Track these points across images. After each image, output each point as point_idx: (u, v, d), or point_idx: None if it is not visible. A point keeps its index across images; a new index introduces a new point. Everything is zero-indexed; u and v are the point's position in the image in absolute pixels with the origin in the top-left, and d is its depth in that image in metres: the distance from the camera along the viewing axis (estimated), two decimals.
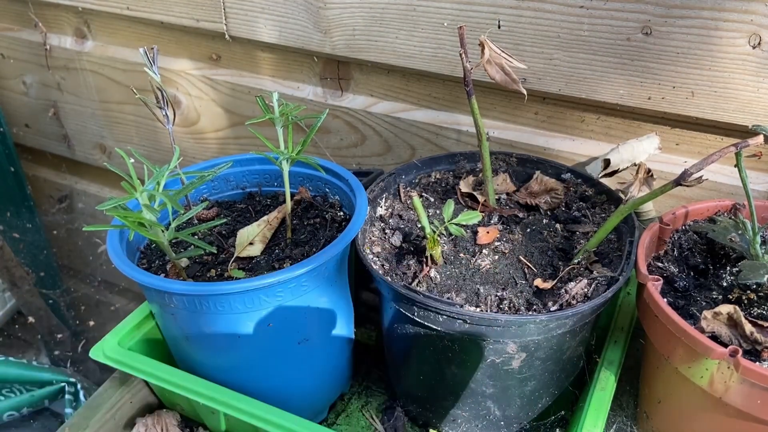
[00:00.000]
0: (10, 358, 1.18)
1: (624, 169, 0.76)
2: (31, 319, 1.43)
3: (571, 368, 0.68)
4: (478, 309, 0.60)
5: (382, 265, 0.67)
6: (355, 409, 0.80)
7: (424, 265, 0.65)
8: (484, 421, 0.68)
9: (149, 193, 0.60)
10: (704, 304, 0.61)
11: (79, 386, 1.17)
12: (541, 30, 0.74)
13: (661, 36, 0.69)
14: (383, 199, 0.76)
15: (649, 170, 0.71)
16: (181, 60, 1.06)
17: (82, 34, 1.15)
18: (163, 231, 0.63)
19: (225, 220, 0.75)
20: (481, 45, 0.63)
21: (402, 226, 0.72)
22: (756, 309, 0.58)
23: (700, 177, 0.56)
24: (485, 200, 0.74)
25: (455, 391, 0.66)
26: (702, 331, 0.55)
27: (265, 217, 0.73)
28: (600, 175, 0.76)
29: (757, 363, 0.52)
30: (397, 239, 0.70)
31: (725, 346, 0.52)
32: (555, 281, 0.63)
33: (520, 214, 0.74)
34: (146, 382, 0.76)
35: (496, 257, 0.67)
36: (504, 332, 0.58)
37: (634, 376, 0.75)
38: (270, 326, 0.64)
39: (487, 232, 0.69)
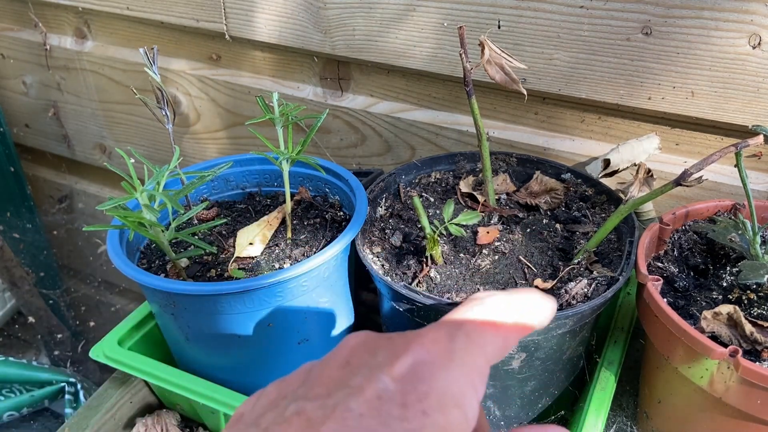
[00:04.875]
0: (10, 358, 1.18)
1: (624, 169, 0.76)
2: (31, 319, 1.43)
3: (571, 368, 0.68)
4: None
5: (382, 265, 0.67)
6: None
7: (424, 265, 0.65)
8: None
9: (149, 193, 0.60)
10: (704, 304, 0.61)
11: (79, 386, 1.17)
12: (541, 30, 0.74)
13: (661, 36, 0.69)
14: (383, 199, 0.76)
15: (649, 170, 0.71)
16: (181, 60, 1.06)
17: (82, 34, 1.15)
18: (163, 231, 0.63)
19: (225, 220, 0.75)
20: (481, 45, 0.63)
21: (402, 226, 0.72)
22: (756, 309, 0.58)
23: (700, 177, 0.56)
24: (485, 200, 0.74)
25: None
26: (702, 331, 0.55)
27: (265, 217, 0.73)
28: (600, 175, 0.76)
29: (757, 363, 0.52)
30: (397, 239, 0.70)
31: (725, 346, 0.52)
32: (555, 281, 0.63)
33: (520, 214, 0.74)
34: (146, 382, 0.76)
35: (496, 257, 0.67)
36: None
37: (634, 376, 0.75)
38: (270, 326, 0.64)
39: (487, 232, 0.69)
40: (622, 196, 0.71)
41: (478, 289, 0.62)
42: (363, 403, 0.24)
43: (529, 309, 0.31)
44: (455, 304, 0.59)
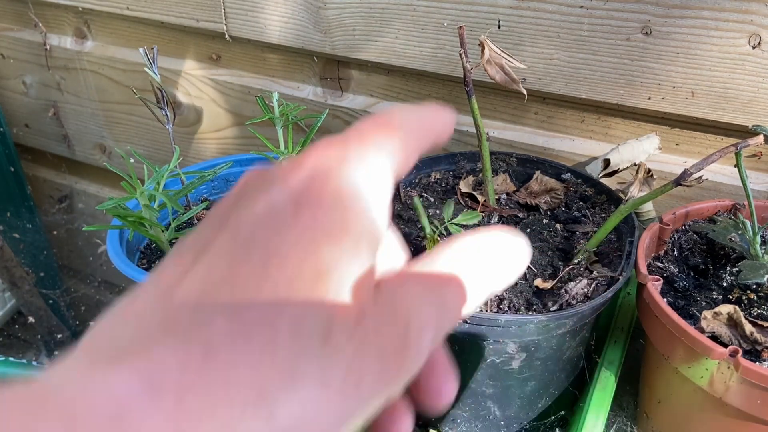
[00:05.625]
0: (10, 358, 1.18)
1: (624, 169, 0.76)
2: (31, 319, 1.43)
3: (571, 368, 0.68)
4: (478, 309, 0.60)
5: None
6: None
7: None
8: (485, 421, 0.68)
9: (149, 193, 0.60)
10: (704, 304, 0.61)
11: None
12: (541, 30, 0.74)
13: (661, 36, 0.69)
14: None
15: (649, 170, 0.71)
16: (181, 60, 1.06)
17: (82, 34, 1.15)
18: (163, 231, 0.63)
19: None
20: (481, 45, 0.63)
21: (402, 226, 0.72)
22: (756, 309, 0.58)
23: (700, 177, 0.56)
24: (485, 200, 0.74)
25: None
26: (702, 331, 0.55)
27: None
28: (600, 175, 0.76)
29: (757, 363, 0.52)
30: None
31: (725, 346, 0.52)
32: (555, 281, 0.63)
33: (520, 214, 0.74)
34: None
35: None
36: (504, 332, 0.58)
37: (634, 376, 0.75)
38: None
39: None
40: (622, 196, 0.71)
41: None
42: (253, 215, 0.23)
43: (431, 120, 0.28)
44: None
